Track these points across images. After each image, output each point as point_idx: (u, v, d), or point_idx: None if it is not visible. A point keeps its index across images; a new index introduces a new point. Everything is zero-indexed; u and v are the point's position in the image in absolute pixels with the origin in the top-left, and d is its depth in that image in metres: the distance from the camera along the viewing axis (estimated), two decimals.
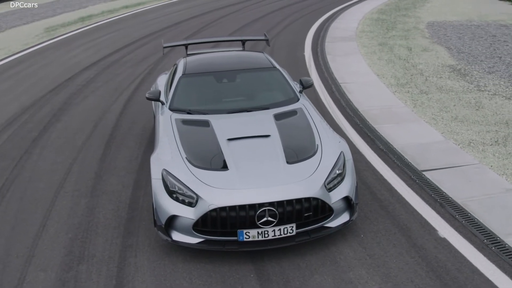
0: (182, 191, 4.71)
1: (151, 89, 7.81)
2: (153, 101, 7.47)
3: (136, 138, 7.71)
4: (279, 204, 4.56)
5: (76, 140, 7.75)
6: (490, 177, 6.05)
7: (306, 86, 6.51)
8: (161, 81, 7.60)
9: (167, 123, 5.76)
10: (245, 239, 4.61)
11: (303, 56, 12.49)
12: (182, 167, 4.91)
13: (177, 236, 4.76)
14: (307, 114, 5.85)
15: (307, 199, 4.64)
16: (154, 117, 7.33)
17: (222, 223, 4.59)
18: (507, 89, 9.27)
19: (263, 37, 8.10)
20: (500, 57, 11.51)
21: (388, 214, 5.37)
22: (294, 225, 4.63)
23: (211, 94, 6.28)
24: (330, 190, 4.80)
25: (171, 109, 6.07)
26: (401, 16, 17.79)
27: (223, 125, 5.55)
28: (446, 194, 5.69)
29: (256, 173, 4.81)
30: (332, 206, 4.78)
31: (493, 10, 18.28)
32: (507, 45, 12.58)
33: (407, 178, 6.11)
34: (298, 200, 4.61)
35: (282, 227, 4.60)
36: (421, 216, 5.30)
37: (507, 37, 13.48)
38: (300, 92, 6.43)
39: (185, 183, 4.73)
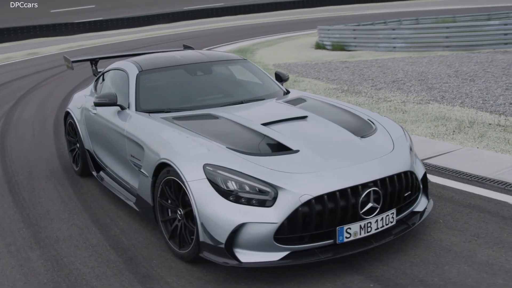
0: (245, 188, 3.29)
1: (70, 109, 5.89)
2: (69, 119, 5.85)
3: (48, 180, 5.72)
4: (382, 183, 3.45)
5: None
6: (490, 155, 5.72)
7: (284, 80, 5.54)
8: (83, 96, 5.79)
9: (152, 124, 4.22)
10: (345, 239, 3.35)
11: None
12: (232, 157, 3.48)
13: (247, 256, 3.27)
14: (320, 98, 4.88)
15: (406, 174, 3.62)
16: (72, 142, 5.81)
17: (318, 221, 3.27)
18: (408, 97, 9.44)
19: (183, 49, 6.91)
20: (372, 79, 11.93)
21: (441, 198, 4.58)
22: (394, 211, 3.54)
23: (188, 88, 4.89)
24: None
25: (140, 111, 4.52)
26: None
27: (239, 115, 4.24)
28: (470, 173, 5.15)
29: (335, 150, 3.65)
30: (421, 183, 3.84)
31: (319, 55, 19.41)
32: (367, 71, 13.19)
33: None
34: (399, 176, 3.56)
35: (384, 216, 3.47)
36: (475, 194, 4.63)
37: (360, 67, 14.20)
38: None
39: (250, 174, 3.31)
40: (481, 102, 8.57)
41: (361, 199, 3.33)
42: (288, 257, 3.28)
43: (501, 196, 4.54)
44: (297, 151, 3.57)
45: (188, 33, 32.87)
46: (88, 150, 5.46)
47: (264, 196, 3.26)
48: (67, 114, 5.93)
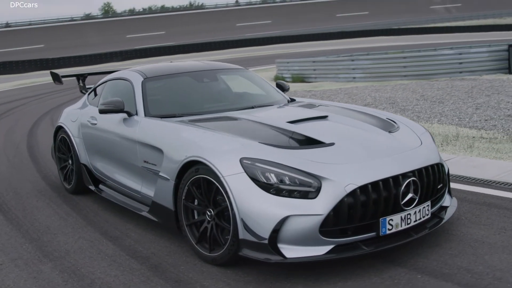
0: (285, 181, 3.17)
1: (63, 123, 5.59)
2: (62, 133, 5.63)
3: (39, 199, 5.39)
4: (420, 173, 3.43)
5: None
6: (486, 161, 5.83)
7: (285, 90, 5.54)
8: (77, 109, 5.54)
9: (170, 126, 4.05)
10: (387, 231, 3.27)
11: None
12: (268, 150, 3.37)
13: (291, 251, 3.13)
14: (330, 103, 4.86)
15: (438, 166, 3.62)
16: (63, 159, 5.63)
17: (362, 212, 3.18)
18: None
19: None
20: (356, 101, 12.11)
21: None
22: (429, 203, 3.51)
23: (197, 94, 4.77)
24: None
25: (150, 116, 4.35)
26: None
27: (259, 116, 4.15)
28: (473, 177, 5.23)
29: (368, 143, 3.61)
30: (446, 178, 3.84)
31: (295, 86, 19.47)
32: (335, 98, 13.40)
33: None
34: (433, 168, 3.55)
35: (421, 207, 3.43)
36: (486, 194, 4.69)
37: (327, 94, 14.40)
38: None
39: (292, 166, 3.21)
40: (457, 120, 8.82)
41: (402, 189, 3.29)
42: (333, 251, 3.16)
43: None
44: (332, 144, 3.50)
45: None
46: (84, 165, 5.19)
47: (307, 188, 3.15)
48: (59, 128, 5.63)
